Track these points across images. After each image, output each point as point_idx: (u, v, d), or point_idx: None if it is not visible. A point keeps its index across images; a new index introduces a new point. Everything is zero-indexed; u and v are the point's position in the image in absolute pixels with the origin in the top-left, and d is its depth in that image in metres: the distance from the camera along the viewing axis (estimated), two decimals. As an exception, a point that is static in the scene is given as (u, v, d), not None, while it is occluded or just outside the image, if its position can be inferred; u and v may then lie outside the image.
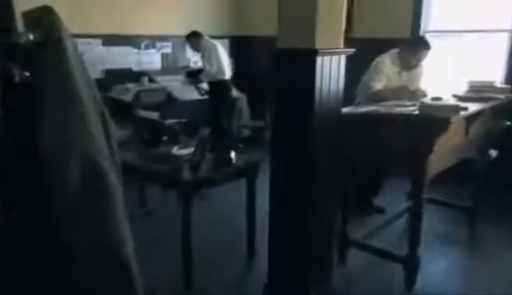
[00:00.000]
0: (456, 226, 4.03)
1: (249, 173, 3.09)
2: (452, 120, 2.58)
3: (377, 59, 3.82)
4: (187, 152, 3.03)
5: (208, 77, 5.67)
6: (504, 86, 3.50)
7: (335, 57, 2.42)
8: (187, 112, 5.52)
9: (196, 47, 5.77)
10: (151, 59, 6.05)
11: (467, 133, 3.13)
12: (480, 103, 3.16)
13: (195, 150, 2.87)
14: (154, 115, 3.20)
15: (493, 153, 4.60)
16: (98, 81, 5.29)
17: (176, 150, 3.03)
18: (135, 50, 5.87)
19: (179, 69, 6.29)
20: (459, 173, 4.37)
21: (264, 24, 6.68)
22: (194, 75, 5.77)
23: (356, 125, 2.99)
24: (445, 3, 5.30)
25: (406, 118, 2.80)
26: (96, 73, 5.46)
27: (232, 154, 3.01)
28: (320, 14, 2.26)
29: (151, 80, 5.68)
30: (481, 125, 3.32)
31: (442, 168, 3.05)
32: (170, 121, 3.30)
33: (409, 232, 2.93)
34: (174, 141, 3.27)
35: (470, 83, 3.50)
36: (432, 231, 3.93)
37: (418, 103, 2.92)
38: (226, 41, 6.96)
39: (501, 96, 3.33)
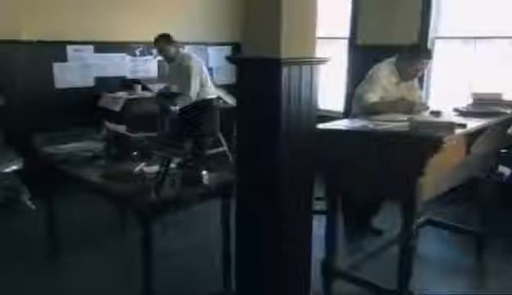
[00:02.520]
0: (462, 253, 3.66)
1: (222, 194, 2.79)
2: (445, 140, 2.25)
3: (373, 68, 3.50)
4: (155, 169, 2.76)
5: (186, 103, 4.69)
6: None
7: (306, 67, 2.13)
8: (180, 123, 5.28)
9: (168, 57, 4.78)
10: (147, 66, 5.81)
11: (468, 152, 2.78)
12: (484, 118, 2.81)
13: (159, 168, 2.60)
14: (121, 129, 2.95)
15: (506, 171, 4.23)
16: (90, 89, 5.26)
17: (141, 167, 2.76)
18: (130, 57, 5.65)
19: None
20: (466, 193, 4.03)
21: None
22: (167, 99, 4.79)
23: (343, 142, 2.69)
24: (456, 9, 4.93)
25: (395, 136, 2.47)
26: (88, 81, 5.26)
27: (203, 172, 2.73)
28: (287, 22, 2.03)
29: (145, 88, 5.44)
30: (486, 143, 2.96)
31: (438, 192, 2.71)
32: (138, 135, 3.04)
33: (399, 266, 2.58)
34: (145, 157, 3.00)
35: (474, 95, 3.16)
36: (433, 258, 3.59)
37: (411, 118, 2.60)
38: (230, 48, 6.71)
39: (509, 110, 2.97)
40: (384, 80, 3.39)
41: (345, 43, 5.79)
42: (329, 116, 5.04)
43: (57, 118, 4.66)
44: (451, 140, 2.37)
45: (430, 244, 3.80)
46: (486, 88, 4.45)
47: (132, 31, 5.54)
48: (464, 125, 2.50)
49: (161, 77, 5.67)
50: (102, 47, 5.33)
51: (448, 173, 2.70)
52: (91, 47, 5.25)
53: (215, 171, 2.89)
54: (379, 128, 2.63)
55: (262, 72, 2.08)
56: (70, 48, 5.07)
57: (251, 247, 2.51)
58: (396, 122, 2.70)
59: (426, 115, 2.97)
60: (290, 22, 2.00)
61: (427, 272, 3.35)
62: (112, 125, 3.02)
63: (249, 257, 2.53)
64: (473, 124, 2.65)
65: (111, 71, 5.45)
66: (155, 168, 2.76)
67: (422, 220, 3.78)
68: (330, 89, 6.10)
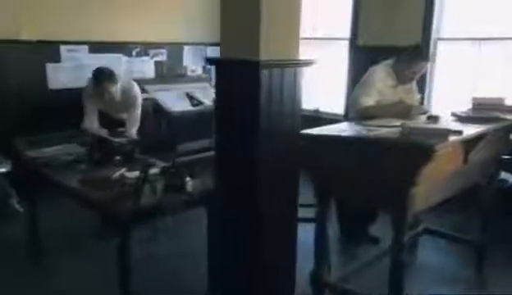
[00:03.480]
0: (460, 263, 3.51)
1: (207, 201, 2.67)
2: (438, 148, 2.11)
3: (369, 71, 3.36)
4: (137, 175, 2.65)
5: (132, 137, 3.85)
6: (514, 104, 2.97)
7: (288, 70, 2.01)
8: (177, 125, 5.18)
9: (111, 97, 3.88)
10: (143, 67, 5.71)
11: (466, 160, 2.63)
12: (483, 124, 2.66)
13: (140, 174, 2.48)
14: (103, 132, 2.84)
15: (510, 178, 4.07)
16: (85, 90, 5.15)
17: (122, 172, 2.65)
18: (126, 57, 5.55)
19: (175, 78, 5.96)
20: (465, 200, 3.88)
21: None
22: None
23: (333, 148, 2.55)
24: (460, 9, 4.77)
25: (386, 143, 2.33)
26: (82, 81, 5.14)
27: (187, 179, 2.62)
28: (267, 23, 1.93)
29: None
30: (486, 149, 2.81)
31: (433, 203, 2.57)
32: (120, 139, 2.93)
33: (390, 279, 2.43)
34: (128, 161, 2.90)
35: (474, 100, 3.00)
36: (431, 268, 3.44)
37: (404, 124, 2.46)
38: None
39: (510, 116, 2.82)
40: (380, 83, 3.25)
41: (347, 43, 5.65)
42: (329, 119, 4.95)
43: (51, 119, 4.56)
44: (445, 148, 2.24)
45: (428, 254, 3.65)
46: (492, 91, 4.31)
47: (129, 31, 5.45)
48: (459, 132, 2.35)
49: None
50: (98, 47, 5.24)
51: (443, 182, 2.56)
52: (86, 48, 5.16)
53: (202, 176, 2.78)
54: (371, 133, 2.50)
55: (240, 74, 1.97)
56: (63, 49, 4.98)
57: (233, 252, 2.43)
58: (390, 127, 2.57)
59: (422, 121, 2.83)
60: (270, 23, 1.90)
61: (425, 282, 3.21)
62: (94, 129, 2.91)
63: (231, 261, 2.46)
64: (470, 130, 2.50)
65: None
66: (137, 173, 2.66)
67: (419, 228, 3.64)
68: (331, 91, 5.98)
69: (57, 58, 4.95)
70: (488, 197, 3.27)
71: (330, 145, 2.53)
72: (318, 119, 5.39)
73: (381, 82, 3.26)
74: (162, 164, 3.00)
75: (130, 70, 5.58)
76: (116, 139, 2.92)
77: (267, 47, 1.89)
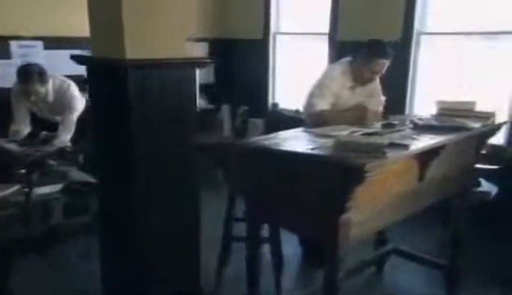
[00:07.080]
0: (431, 287, 3.07)
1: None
2: (370, 168, 1.68)
3: (326, 69, 2.95)
4: (43, 191, 2.29)
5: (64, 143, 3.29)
6: (487, 111, 2.52)
7: (171, 70, 1.62)
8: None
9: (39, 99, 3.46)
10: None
11: (421, 177, 2.21)
12: (444, 134, 2.23)
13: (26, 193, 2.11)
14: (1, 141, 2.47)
15: (493, 189, 3.63)
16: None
17: (18, 189, 2.27)
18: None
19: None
20: (441, 215, 3.50)
21: (247, 27, 5.97)
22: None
23: (262, 163, 2.14)
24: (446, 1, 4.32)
25: (313, 160, 1.92)
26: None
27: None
28: (136, 16, 1.56)
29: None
30: (451, 163, 2.39)
31: (380, 227, 2.19)
32: (24, 149, 2.55)
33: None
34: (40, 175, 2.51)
35: (439, 104, 2.57)
36: (398, 291, 3.04)
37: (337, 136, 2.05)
38: (206, 44, 6.21)
39: (478, 124, 2.38)
40: (336, 84, 2.84)
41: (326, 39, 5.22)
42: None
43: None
44: (385, 166, 1.82)
45: (396, 274, 3.24)
46: (480, 90, 3.89)
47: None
48: (405, 146, 1.93)
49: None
50: (54, 43, 4.86)
51: (392, 204, 2.13)
52: (40, 43, 4.79)
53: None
54: (307, 146, 2.09)
55: (108, 74, 1.60)
56: (14, 44, 4.62)
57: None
58: (330, 138, 2.15)
59: (376, 129, 2.40)
60: (140, 17, 1.55)
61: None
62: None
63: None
64: (423, 143, 2.08)
65: (65, 70, 4.90)
66: (43, 190, 2.30)
67: (387, 248, 3.23)
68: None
69: (6, 55, 4.59)
70: (459, 214, 2.83)
71: (256, 159, 2.13)
72: (299, 120, 4.99)
73: (338, 83, 2.84)
74: (88, 178, 2.64)
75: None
76: (17, 149, 2.53)
77: (139, 45, 1.52)
